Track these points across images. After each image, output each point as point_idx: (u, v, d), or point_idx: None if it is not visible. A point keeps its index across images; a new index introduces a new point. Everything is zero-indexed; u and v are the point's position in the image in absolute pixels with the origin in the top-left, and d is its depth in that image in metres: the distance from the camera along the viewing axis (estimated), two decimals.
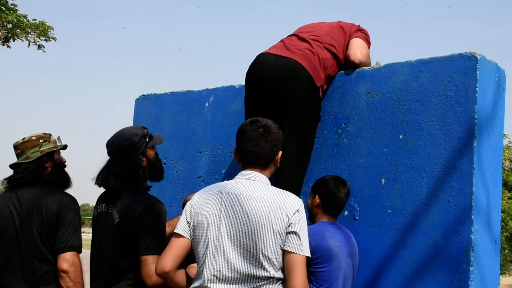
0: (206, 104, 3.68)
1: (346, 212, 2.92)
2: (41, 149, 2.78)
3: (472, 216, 2.52)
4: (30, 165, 2.75)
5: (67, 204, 2.69)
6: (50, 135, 2.92)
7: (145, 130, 2.68)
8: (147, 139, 2.66)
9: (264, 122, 2.21)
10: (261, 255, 1.99)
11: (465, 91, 2.63)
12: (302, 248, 2.03)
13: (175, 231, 2.18)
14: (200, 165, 3.63)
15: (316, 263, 2.50)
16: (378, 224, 2.78)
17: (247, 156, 2.17)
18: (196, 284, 2.09)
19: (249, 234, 2.00)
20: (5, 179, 2.82)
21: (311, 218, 2.77)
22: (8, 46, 11.43)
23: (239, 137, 2.21)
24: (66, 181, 2.88)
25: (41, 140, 2.82)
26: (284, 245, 2.01)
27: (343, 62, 3.10)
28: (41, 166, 2.77)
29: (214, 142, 3.60)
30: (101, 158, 2.68)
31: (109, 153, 2.65)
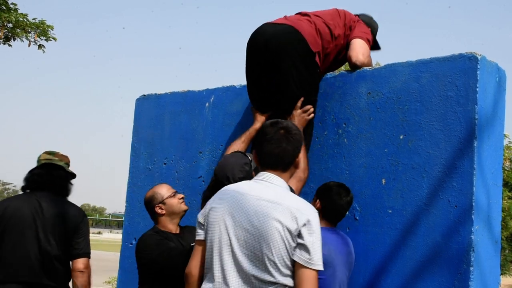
0: (207, 104, 3.68)
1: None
2: (65, 165, 3.25)
3: (473, 216, 2.52)
4: (68, 176, 3.25)
5: (83, 217, 3.20)
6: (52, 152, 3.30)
7: (247, 157, 2.69)
8: (252, 164, 2.66)
9: (285, 123, 2.16)
10: (266, 259, 1.95)
11: (465, 91, 2.63)
12: (312, 262, 1.94)
13: (196, 238, 2.18)
14: (200, 165, 3.63)
15: None
16: (379, 224, 2.78)
17: (268, 158, 2.12)
18: (205, 285, 2.07)
19: (257, 237, 1.96)
20: (31, 175, 3.18)
21: None
22: (9, 45, 11.42)
23: (260, 138, 2.16)
24: (68, 190, 3.28)
25: (67, 159, 3.29)
26: (293, 254, 1.96)
27: (339, 46, 3.19)
28: (68, 181, 3.25)
29: (214, 142, 3.60)
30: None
31: (221, 184, 2.57)
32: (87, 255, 3.16)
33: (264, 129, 2.16)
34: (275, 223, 1.95)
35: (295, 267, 1.96)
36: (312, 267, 1.95)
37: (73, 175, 3.27)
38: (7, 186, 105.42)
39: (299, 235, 1.95)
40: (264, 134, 2.14)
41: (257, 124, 3.10)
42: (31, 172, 3.19)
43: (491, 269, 2.69)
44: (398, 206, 2.75)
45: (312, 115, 3.01)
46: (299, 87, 2.95)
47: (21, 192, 3.24)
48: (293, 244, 1.95)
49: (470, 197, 2.54)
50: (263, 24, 3.09)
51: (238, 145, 3.08)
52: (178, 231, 3.02)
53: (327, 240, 2.59)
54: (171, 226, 3.08)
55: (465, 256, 2.51)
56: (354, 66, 3.07)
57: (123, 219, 4.18)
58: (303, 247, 1.95)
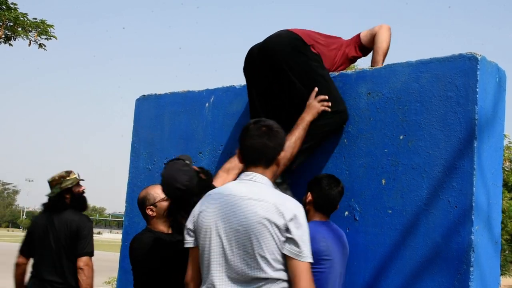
0: (207, 104, 3.68)
1: (346, 213, 2.92)
2: (61, 185, 3.96)
3: (473, 217, 2.52)
4: (55, 198, 3.98)
5: (82, 223, 3.89)
6: (70, 173, 4.03)
7: (181, 160, 2.67)
8: (187, 161, 2.67)
9: (267, 122, 2.22)
10: (258, 256, 1.99)
11: (465, 92, 2.63)
12: (302, 254, 2.01)
13: (185, 246, 2.22)
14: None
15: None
16: (379, 224, 2.78)
17: (249, 154, 2.17)
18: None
19: (247, 235, 2.01)
20: (42, 204, 4.13)
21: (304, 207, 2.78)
22: (10, 44, 11.42)
23: (242, 135, 2.21)
24: (82, 205, 4.06)
25: (62, 179, 3.97)
26: (283, 248, 2.01)
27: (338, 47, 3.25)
28: (62, 197, 3.96)
29: (214, 143, 3.60)
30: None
31: (179, 197, 2.58)
32: (85, 254, 3.80)
33: (247, 126, 2.21)
34: (262, 220, 2.00)
35: (287, 261, 2.02)
36: (303, 260, 2.01)
37: (63, 191, 3.96)
38: (7, 186, 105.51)
39: (287, 229, 2.01)
40: (247, 131, 2.19)
41: None
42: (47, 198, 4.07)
43: (491, 269, 2.69)
44: (398, 206, 2.75)
45: (329, 104, 2.91)
46: (303, 78, 2.94)
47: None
48: (282, 239, 2.00)
49: (470, 197, 2.54)
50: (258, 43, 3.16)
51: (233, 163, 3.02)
52: (170, 231, 3.01)
53: (324, 234, 2.61)
54: (163, 227, 3.10)
55: (465, 256, 2.51)
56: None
57: (123, 219, 4.19)
58: (292, 241, 2.01)
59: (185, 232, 2.22)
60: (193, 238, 2.19)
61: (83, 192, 4.08)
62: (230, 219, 2.06)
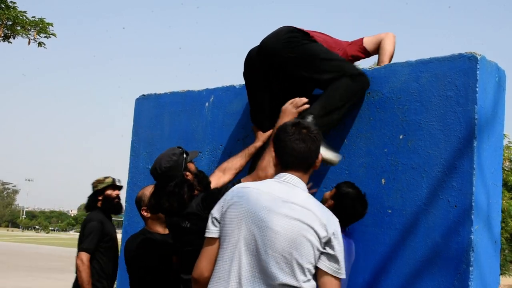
0: (206, 104, 3.68)
1: None
2: (95, 188, 4.39)
3: (472, 217, 2.52)
4: (88, 198, 4.45)
5: (88, 221, 4.26)
6: (107, 177, 4.41)
7: (180, 149, 2.72)
8: (185, 155, 2.68)
9: (306, 123, 2.12)
10: (295, 263, 1.90)
11: (465, 91, 2.63)
12: (340, 272, 1.95)
13: (207, 235, 2.06)
14: (200, 165, 3.62)
15: None
16: (378, 224, 2.78)
17: (292, 158, 2.05)
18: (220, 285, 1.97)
19: (287, 240, 1.91)
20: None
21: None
22: (9, 42, 11.41)
23: (281, 137, 2.08)
24: (112, 208, 4.40)
25: (98, 183, 4.40)
26: (318, 262, 1.94)
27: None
28: (94, 198, 4.39)
29: (214, 142, 3.60)
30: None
31: (155, 178, 2.68)
32: (81, 249, 4.14)
33: (285, 128, 2.09)
34: (306, 227, 1.92)
35: (319, 275, 1.94)
36: (341, 277, 1.95)
37: (95, 193, 4.38)
38: (7, 186, 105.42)
39: (327, 243, 1.93)
40: (287, 134, 2.07)
41: (258, 143, 3.05)
42: None
43: (490, 269, 2.69)
44: (397, 206, 2.75)
45: (306, 107, 2.84)
46: (304, 64, 2.90)
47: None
48: (321, 251, 1.93)
49: (470, 197, 2.54)
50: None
51: (237, 161, 3.01)
52: (167, 232, 3.01)
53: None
54: (159, 227, 3.11)
55: (464, 256, 2.51)
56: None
57: (122, 219, 4.19)
58: (332, 257, 1.94)
59: (210, 221, 2.06)
60: (217, 228, 2.03)
61: (116, 196, 4.42)
62: (268, 218, 1.94)
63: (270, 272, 1.90)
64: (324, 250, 1.93)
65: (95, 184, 4.44)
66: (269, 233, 1.92)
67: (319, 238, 1.92)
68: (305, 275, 1.91)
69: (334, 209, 2.64)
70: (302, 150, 2.04)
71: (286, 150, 2.06)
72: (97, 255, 4.19)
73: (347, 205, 2.68)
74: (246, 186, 2.09)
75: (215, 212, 2.06)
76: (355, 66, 2.97)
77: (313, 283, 1.95)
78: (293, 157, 2.05)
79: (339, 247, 1.95)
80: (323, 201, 2.74)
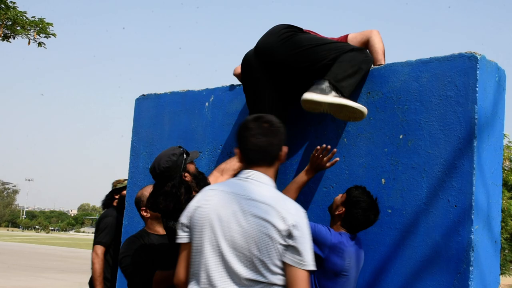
0: (206, 104, 3.68)
1: None
2: (113, 188, 4.70)
3: (472, 216, 2.52)
4: (106, 196, 4.75)
5: (103, 218, 4.51)
6: (124, 179, 4.58)
7: (181, 149, 2.72)
8: (185, 155, 2.68)
9: (267, 117, 2.13)
10: (256, 260, 1.93)
11: (465, 91, 2.63)
12: (303, 263, 1.93)
13: (178, 241, 2.12)
14: (200, 165, 3.62)
15: (327, 277, 2.51)
16: (378, 224, 2.78)
17: (253, 153, 2.07)
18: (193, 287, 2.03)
19: (246, 237, 1.94)
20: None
21: (330, 211, 2.76)
22: (9, 41, 11.41)
23: (243, 133, 2.10)
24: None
25: (117, 183, 4.72)
26: (283, 255, 1.94)
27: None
28: (111, 197, 4.70)
29: (214, 142, 3.60)
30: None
31: (154, 177, 2.69)
32: (96, 242, 4.37)
33: (246, 124, 2.12)
34: (266, 224, 1.93)
35: (286, 268, 1.95)
36: (305, 268, 1.94)
37: (113, 192, 4.70)
38: (7, 186, 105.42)
39: (289, 236, 1.93)
40: (247, 129, 2.09)
41: None
42: None
43: (490, 268, 2.69)
44: (397, 206, 2.75)
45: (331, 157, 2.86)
46: (301, 53, 2.93)
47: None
48: (283, 245, 1.93)
49: (470, 196, 2.54)
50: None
51: (235, 162, 3.02)
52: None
53: (351, 253, 2.55)
54: (158, 228, 3.10)
55: (464, 255, 2.51)
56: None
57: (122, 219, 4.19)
58: (294, 249, 1.93)
59: (179, 227, 2.12)
60: (186, 234, 2.08)
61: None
62: (229, 218, 1.98)
63: (235, 270, 1.94)
64: (286, 243, 1.93)
65: (114, 184, 4.72)
66: (231, 232, 1.96)
67: (279, 232, 1.93)
68: (270, 271, 1.94)
69: (345, 217, 2.64)
70: (263, 144, 2.06)
71: (248, 145, 2.09)
72: (111, 250, 4.38)
73: (358, 214, 2.61)
74: (211, 189, 2.13)
75: (183, 218, 2.11)
76: (348, 44, 3.01)
77: (280, 276, 1.95)
78: (255, 152, 2.08)
79: (301, 238, 1.94)
80: (333, 206, 2.73)
